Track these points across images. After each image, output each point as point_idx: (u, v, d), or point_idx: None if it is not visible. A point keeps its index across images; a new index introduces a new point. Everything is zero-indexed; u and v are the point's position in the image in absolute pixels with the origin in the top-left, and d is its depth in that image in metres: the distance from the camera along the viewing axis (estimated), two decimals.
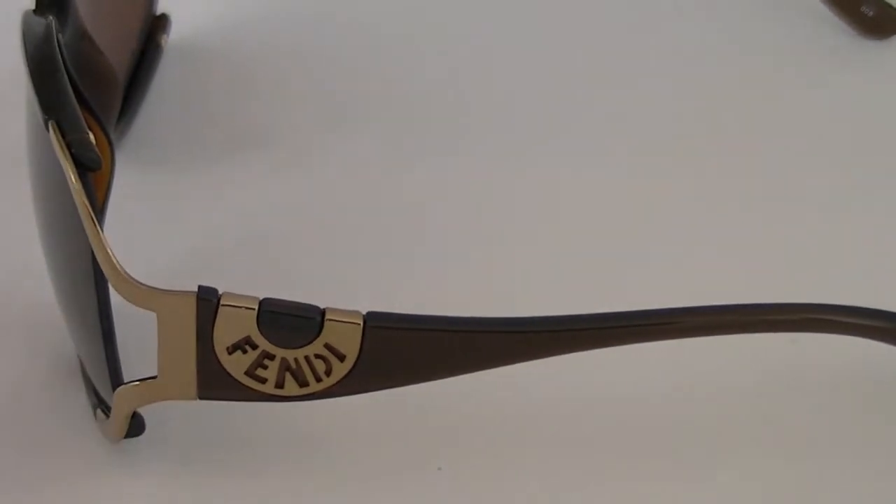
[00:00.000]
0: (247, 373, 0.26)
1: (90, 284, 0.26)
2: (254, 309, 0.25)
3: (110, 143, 0.27)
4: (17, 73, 0.27)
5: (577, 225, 0.33)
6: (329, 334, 0.26)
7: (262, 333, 0.26)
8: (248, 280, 0.27)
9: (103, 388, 0.27)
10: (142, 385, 0.26)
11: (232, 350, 0.26)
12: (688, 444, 0.28)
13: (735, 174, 0.35)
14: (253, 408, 0.27)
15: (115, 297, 0.26)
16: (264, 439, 0.28)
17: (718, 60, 0.39)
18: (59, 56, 0.27)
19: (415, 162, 0.35)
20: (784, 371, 0.30)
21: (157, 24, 0.38)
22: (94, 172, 0.25)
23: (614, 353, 0.27)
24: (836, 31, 0.39)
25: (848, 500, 0.28)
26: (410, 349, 0.26)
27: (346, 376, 0.26)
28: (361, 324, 0.26)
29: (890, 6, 0.39)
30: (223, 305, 0.25)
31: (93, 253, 0.25)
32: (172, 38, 0.38)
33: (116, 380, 0.26)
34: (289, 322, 0.26)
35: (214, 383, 0.26)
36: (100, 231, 0.25)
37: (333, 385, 0.26)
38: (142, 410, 0.27)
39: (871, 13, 0.39)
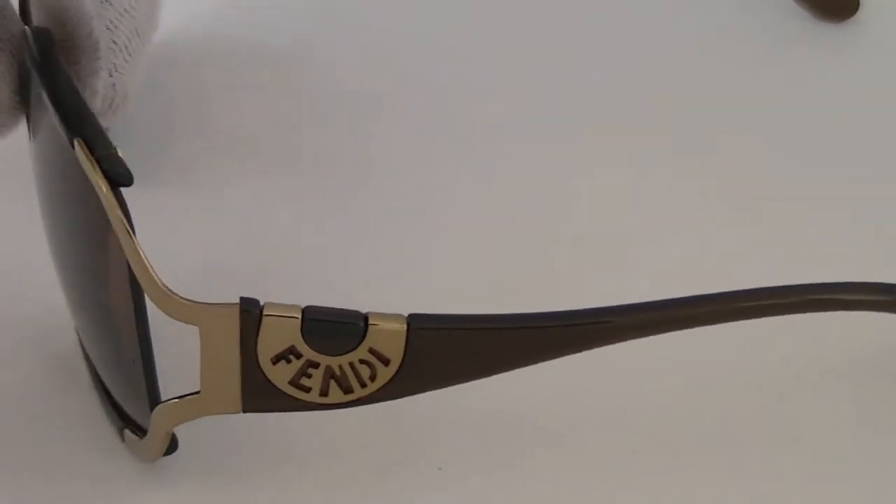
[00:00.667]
0: (291, 382, 0.26)
1: (126, 301, 0.25)
2: (297, 318, 0.25)
3: None
4: None
5: (586, 222, 0.34)
6: (373, 339, 0.25)
7: (306, 342, 0.25)
8: (257, 286, 0.27)
9: (135, 408, 0.27)
10: (182, 402, 0.26)
11: (276, 360, 0.25)
12: (692, 443, 0.28)
13: (695, 169, 0.35)
14: (261, 418, 0.27)
15: None
16: (261, 447, 0.28)
17: (674, 50, 0.39)
18: (68, 73, 0.27)
19: (418, 161, 0.35)
20: (788, 363, 0.30)
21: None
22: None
23: (614, 351, 0.27)
24: (791, 16, 0.40)
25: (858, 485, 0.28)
26: (455, 349, 0.26)
27: (390, 380, 0.26)
28: (405, 327, 0.25)
29: None
30: (266, 315, 0.25)
31: (129, 269, 0.25)
32: (168, 38, 0.37)
33: (154, 398, 0.26)
34: (333, 329, 0.25)
35: (259, 395, 0.26)
36: (139, 246, 0.25)
37: (378, 390, 0.26)
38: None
39: None
